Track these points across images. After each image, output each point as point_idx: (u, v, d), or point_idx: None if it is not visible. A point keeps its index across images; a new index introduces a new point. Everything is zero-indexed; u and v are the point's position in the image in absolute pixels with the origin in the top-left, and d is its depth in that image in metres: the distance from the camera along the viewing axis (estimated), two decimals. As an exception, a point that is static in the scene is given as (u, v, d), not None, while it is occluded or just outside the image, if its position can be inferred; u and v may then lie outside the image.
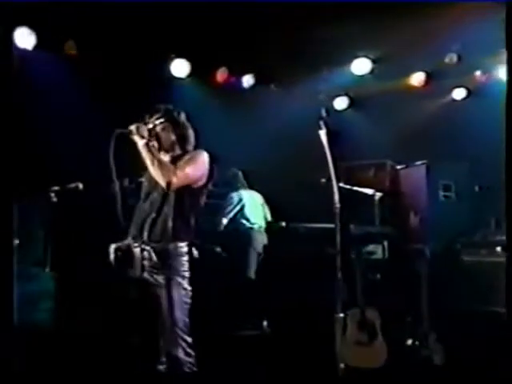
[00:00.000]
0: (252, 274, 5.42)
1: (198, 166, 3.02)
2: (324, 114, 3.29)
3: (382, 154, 6.05)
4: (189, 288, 2.94)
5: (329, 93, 6.55)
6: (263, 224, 5.71)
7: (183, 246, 2.93)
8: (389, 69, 6.03)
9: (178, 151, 3.15)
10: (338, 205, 3.27)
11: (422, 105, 6.34)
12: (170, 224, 2.89)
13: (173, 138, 3.14)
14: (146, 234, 2.96)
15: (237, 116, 6.01)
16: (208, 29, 5.19)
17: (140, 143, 2.98)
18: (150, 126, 3.08)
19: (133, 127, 3.01)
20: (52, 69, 5.25)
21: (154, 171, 2.93)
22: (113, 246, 3.02)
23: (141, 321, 3.02)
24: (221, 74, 6.23)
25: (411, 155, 5.66)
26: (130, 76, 5.58)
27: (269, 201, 5.87)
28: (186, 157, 3.07)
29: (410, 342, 4.17)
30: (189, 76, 6.04)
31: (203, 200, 3.09)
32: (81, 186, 4.28)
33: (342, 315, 3.31)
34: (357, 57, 6.13)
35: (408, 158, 5.67)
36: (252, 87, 6.38)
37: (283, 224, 5.77)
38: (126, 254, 2.98)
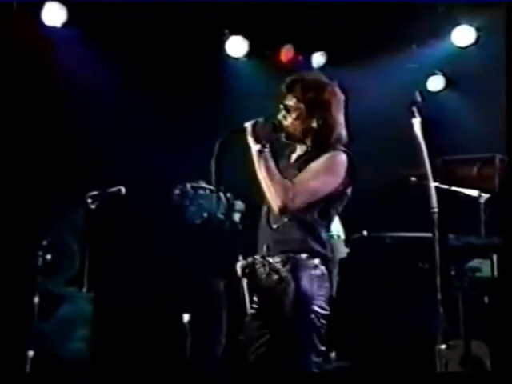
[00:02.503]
0: (334, 292, 5.35)
1: (327, 178, 2.84)
2: (418, 98, 3.17)
3: (488, 145, 5.81)
4: (319, 310, 2.85)
5: (420, 71, 6.44)
6: (342, 233, 5.67)
7: (312, 260, 2.87)
8: (497, 39, 5.85)
9: (309, 143, 2.95)
10: (435, 209, 3.18)
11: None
12: (295, 235, 2.85)
13: (312, 124, 2.92)
14: (265, 247, 2.92)
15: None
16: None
17: (254, 148, 2.82)
18: (280, 116, 2.91)
19: (248, 125, 2.84)
20: (86, 50, 5.35)
21: (265, 188, 2.80)
22: (239, 264, 2.99)
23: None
24: (285, 53, 6.21)
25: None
26: (176, 59, 5.67)
27: (346, 205, 5.80)
28: (314, 164, 2.85)
29: (529, 383, 4.00)
30: (247, 55, 6.09)
31: (339, 207, 2.98)
32: (123, 190, 4.34)
33: (443, 347, 3.22)
34: (457, 24, 6.00)
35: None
36: (323, 67, 6.33)
37: (364, 233, 5.70)
38: (251, 272, 2.93)
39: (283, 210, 2.77)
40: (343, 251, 5.54)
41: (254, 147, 2.82)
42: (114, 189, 4.39)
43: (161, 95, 5.59)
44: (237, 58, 6.12)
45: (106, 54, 5.38)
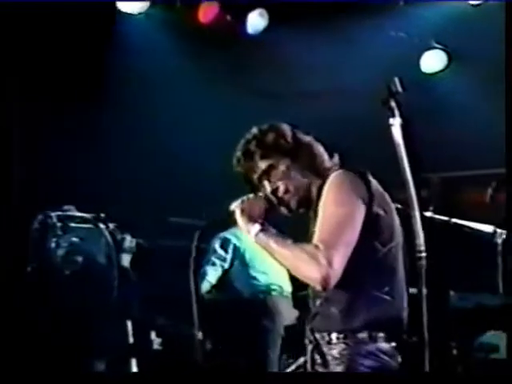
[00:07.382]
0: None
1: (348, 208, 3.05)
2: (398, 87, 3.08)
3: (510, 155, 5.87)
4: None
5: (410, 43, 6.45)
6: (288, 286, 5.65)
7: (361, 335, 3.08)
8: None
9: (313, 179, 3.26)
10: (422, 253, 3.03)
11: None
12: (336, 310, 3.09)
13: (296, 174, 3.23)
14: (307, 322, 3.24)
15: (235, 84, 6.17)
16: None
17: (253, 231, 3.19)
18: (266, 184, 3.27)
19: (235, 207, 3.22)
20: None
21: (292, 270, 3.09)
22: None
23: None
24: (205, 10, 6.35)
25: None
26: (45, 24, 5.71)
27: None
28: (322, 206, 3.09)
29: None
30: (147, 12, 6.19)
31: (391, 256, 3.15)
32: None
33: None
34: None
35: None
36: (262, 33, 6.42)
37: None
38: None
39: (327, 284, 2.99)
40: (293, 313, 5.45)
41: (252, 230, 3.18)
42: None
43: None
44: (131, 14, 6.22)
45: None
